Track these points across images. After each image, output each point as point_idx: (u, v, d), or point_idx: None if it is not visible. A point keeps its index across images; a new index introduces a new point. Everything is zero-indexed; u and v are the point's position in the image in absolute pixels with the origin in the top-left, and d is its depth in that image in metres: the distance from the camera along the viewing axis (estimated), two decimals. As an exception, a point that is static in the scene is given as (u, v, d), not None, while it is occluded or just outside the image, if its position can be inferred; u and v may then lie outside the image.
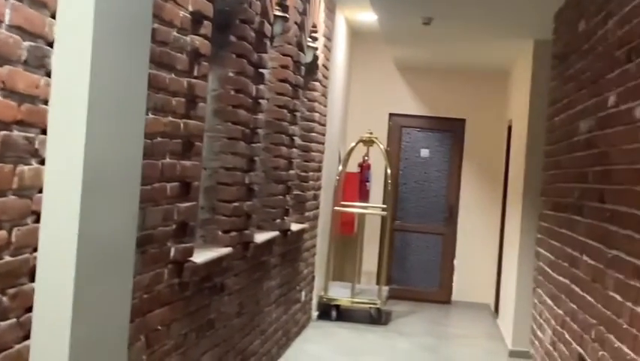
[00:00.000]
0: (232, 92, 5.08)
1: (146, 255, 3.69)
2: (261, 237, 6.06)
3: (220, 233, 5.09)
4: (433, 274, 11.30)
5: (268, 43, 5.73)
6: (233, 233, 5.20)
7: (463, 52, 9.53)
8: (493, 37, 8.36)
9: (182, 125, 4.03)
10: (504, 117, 10.68)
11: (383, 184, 10.79)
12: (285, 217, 6.97)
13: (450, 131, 11.33)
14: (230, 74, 5.07)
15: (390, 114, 11.34)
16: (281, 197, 6.70)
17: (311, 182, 8.25)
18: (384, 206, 10.11)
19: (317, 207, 8.86)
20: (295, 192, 7.87)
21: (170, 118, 3.87)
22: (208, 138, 5.05)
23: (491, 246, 10.85)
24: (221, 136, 5.07)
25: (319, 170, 8.75)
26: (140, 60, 3.26)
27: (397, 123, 11.40)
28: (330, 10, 8.72)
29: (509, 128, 9.94)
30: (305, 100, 8.00)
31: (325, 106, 8.81)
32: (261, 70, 5.60)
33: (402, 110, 11.31)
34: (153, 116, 3.66)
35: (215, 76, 5.07)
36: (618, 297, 3.94)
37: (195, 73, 4.15)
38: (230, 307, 5.26)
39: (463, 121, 11.22)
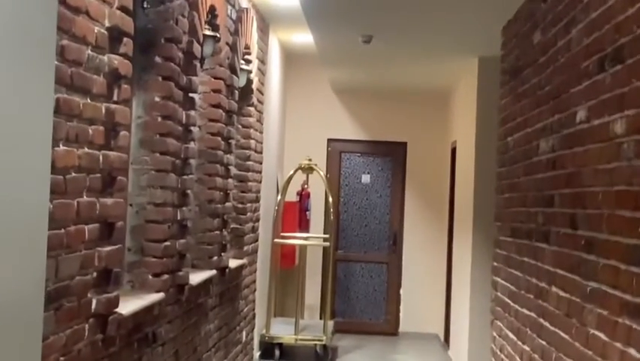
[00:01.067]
0: (159, 119, 4.56)
1: (60, 311, 3.13)
2: (196, 277, 5.52)
3: (150, 277, 4.54)
4: (378, 305, 10.83)
5: (198, 65, 5.22)
6: (165, 276, 4.65)
7: (403, 72, 9.14)
8: (435, 55, 7.97)
9: (101, 157, 3.49)
10: (447, 139, 10.30)
11: (324, 213, 10.31)
12: (223, 254, 6.44)
13: (391, 155, 10.92)
14: (157, 99, 4.55)
15: (329, 139, 10.90)
16: (217, 232, 6.16)
17: (249, 214, 7.72)
18: (326, 236, 9.63)
19: (256, 240, 8.33)
20: (232, 226, 7.33)
21: (87, 149, 3.34)
22: (134, 170, 4.51)
23: (438, 273, 10.43)
24: (148, 168, 4.53)
25: (257, 200, 8.23)
26: (43, 82, 2.72)
27: (336, 149, 10.96)
28: (263, 32, 8.25)
29: (453, 150, 9.56)
30: (240, 127, 7.48)
31: (261, 132, 8.31)
32: (191, 94, 5.08)
33: (341, 134, 10.88)
34: (65, 147, 3.12)
35: (140, 101, 4.54)
36: (602, 336, 3.50)
37: (115, 97, 3.62)
38: (164, 359, 4.70)
39: (404, 144, 10.82)
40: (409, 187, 10.81)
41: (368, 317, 10.81)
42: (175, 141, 4.73)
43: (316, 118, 10.77)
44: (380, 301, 10.83)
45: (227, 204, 6.56)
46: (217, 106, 6.03)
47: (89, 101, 3.36)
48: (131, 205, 4.51)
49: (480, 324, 7.49)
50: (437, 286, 10.41)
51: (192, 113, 5.13)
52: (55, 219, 3.03)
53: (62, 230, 3.13)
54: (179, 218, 4.94)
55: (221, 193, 6.29)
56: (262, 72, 8.23)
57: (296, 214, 10.01)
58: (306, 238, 9.68)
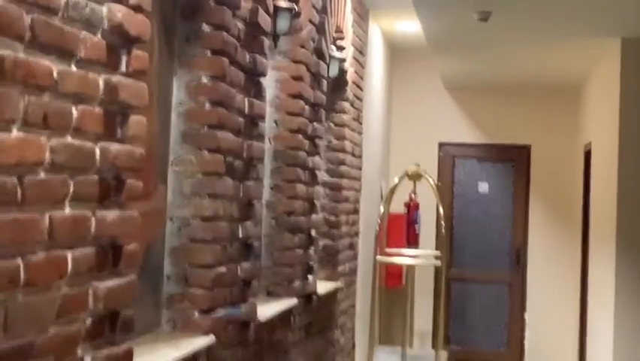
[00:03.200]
0: (207, 106, 3.45)
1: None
2: (269, 309, 4.40)
3: (197, 314, 3.43)
4: (499, 332, 9.47)
5: (266, 41, 4.09)
6: (220, 312, 3.54)
7: (525, 59, 7.81)
8: (566, 35, 6.64)
9: (98, 151, 2.41)
10: (579, 140, 8.90)
11: (435, 226, 9.05)
12: (309, 276, 5.30)
13: (512, 160, 9.57)
14: (204, 80, 3.45)
15: (441, 143, 9.64)
16: (299, 251, 5.03)
17: (344, 228, 6.57)
18: (438, 253, 8.36)
19: (354, 258, 7.17)
20: (323, 243, 6.20)
21: (70, 139, 2.26)
22: (174, 174, 3.42)
23: (570, 297, 9.00)
24: (193, 171, 3.43)
25: (355, 212, 7.07)
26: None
27: (449, 153, 9.69)
28: (362, 18, 7.10)
29: (587, 154, 8.16)
30: (332, 125, 6.35)
31: (360, 133, 7.16)
32: (256, 77, 3.97)
33: (454, 137, 9.60)
34: (22, 134, 2.04)
35: (182, 83, 3.44)
36: None
37: (123, 68, 2.53)
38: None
39: (527, 148, 9.46)
40: (533, 197, 9.44)
41: (487, 346, 9.47)
42: (232, 136, 3.62)
43: (426, 119, 9.53)
44: (501, 327, 9.47)
45: (314, 216, 5.43)
46: (297, 96, 4.90)
47: (72, 68, 2.27)
48: (171, 220, 3.42)
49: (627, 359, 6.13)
50: (569, 311, 8.99)
51: (259, 101, 4.01)
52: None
53: (16, 260, 2.05)
54: (240, 235, 3.83)
55: (305, 203, 5.15)
56: (360, 64, 7.08)
57: (403, 228, 8.77)
58: (414, 255, 8.44)
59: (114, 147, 2.48)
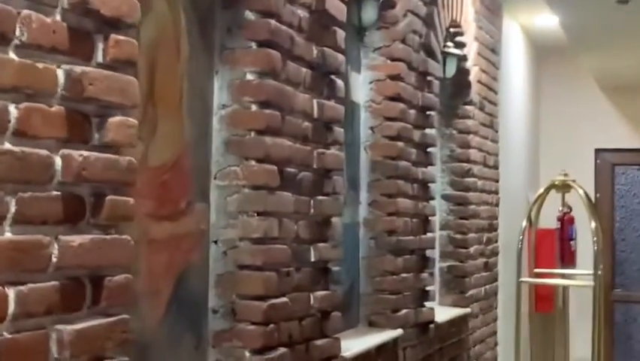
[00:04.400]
0: (254, 108, 2.92)
1: None
2: (363, 342, 3.81)
3: (248, 355, 2.89)
4: (672, 361, 8.44)
5: (341, 33, 3.52)
6: (280, 350, 2.99)
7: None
8: None
9: (58, 162, 1.93)
10: None
11: (592, 242, 8.13)
12: (425, 303, 4.67)
13: (680, 166, 8.54)
14: (250, 77, 2.92)
15: (597, 150, 8.71)
16: (406, 275, 4.40)
17: (475, 247, 5.88)
18: (594, 272, 7.46)
19: (493, 281, 6.44)
20: (447, 264, 5.55)
21: (9, 146, 1.79)
22: (217, 189, 2.91)
23: None
24: (239, 185, 2.90)
25: (492, 229, 6.35)
26: None
27: (607, 161, 8.75)
28: (493, 12, 6.40)
29: None
30: (453, 132, 5.69)
31: (495, 141, 6.44)
32: (328, 74, 3.41)
33: (613, 143, 8.65)
34: None
35: (224, 82, 2.93)
36: None
37: (100, 58, 2.05)
38: None
39: (699, 151, 8.41)
40: None
41: (658, 376, 8.45)
42: (289, 142, 3.07)
43: (580, 123, 8.64)
44: (675, 354, 8.44)
45: (429, 235, 4.79)
46: (396, 98, 4.29)
47: (7, 55, 1.81)
48: (215, 243, 2.90)
49: None
50: None
51: (332, 103, 3.45)
52: None
53: None
54: (313, 259, 3.27)
55: (414, 221, 4.53)
56: (492, 63, 6.38)
57: (555, 245, 7.93)
58: (569, 275, 7.58)
59: (84, 155, 1.98)
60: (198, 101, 2.83)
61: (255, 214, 2.89)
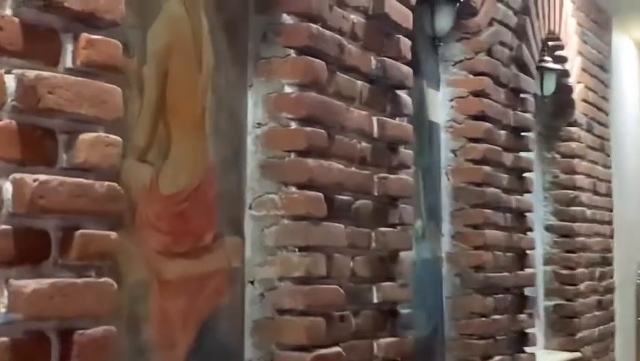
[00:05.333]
0: (293, 125, 2.51)
1: None
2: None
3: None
4: None
5: (404, 41, 3.09)
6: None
7: None
8: None
9: (8, 189, 1.58)
10: None
11: None
12: (524, 348, 4.14)
13: None
14: (288, 90, 2.51)
15: None
16: (499, 316, 3.89)
17: (586, 283, 5.28)
18: None
19: (608, 320, 5.80)
20: (552, 303, 4.99)
21: None
22: (253, 220, 2.50)
23: None
24: (278, 215, 2.49)
25: (605, 263, 5.73)
26: None
27: None
28: (600, 26, 5.84)
29: None
30: (556, 156, 5.14)
31: (607, 167, 5.84)
32: (389, 89, 2.99)
33: None
34: None
35: (258, 98, 2.54)
36: None
37: (69, 62, 1.69)
38: None
39: None
40: None
41: None
42: (340, 165, 2.65)
43: None
44: None
45: (527, 271, 4.26)
46: (479, 117, 3.81)
47: None
48: (251, 283, 2.49)
49: None
50: None
51: (396, 121, 3.01)
52: None
53: None
54: (375, 301, 2.83)
55: (507, 255, 4.02)
56: (602, 82, 5.82)
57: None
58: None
59: (41, 179, 1.61)
60: (227, 119, 2.45)
61: (296, 249, 2.47)
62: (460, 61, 3.83)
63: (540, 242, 5.06)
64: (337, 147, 2.67)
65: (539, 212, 5.04)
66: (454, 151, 3.81)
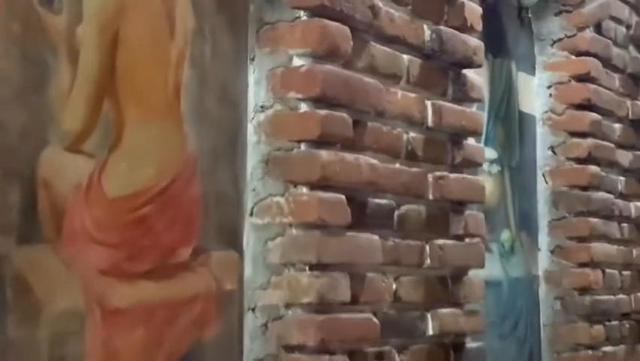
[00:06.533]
0: (303, 107, 1.95)
1: None
2: None
3: None
4: None
5: (472, 7, 2.48)
6: None
7: None
8: None
9: None
10: None
11: None
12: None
13: None
14: (298, 62, 1.96)
15: None
16: (611, 349, 3.19)
17: None
18: None
19: None
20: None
21: None
22: (253, 228, 1.95)
23: None
24: (285, 222, 1.93)
25: None
26: None
27: None
28: None
29: None
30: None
31: None
32: (455, 65, 2.39)
33: None
34: None
35: (261, 74, 1.99)
36: None
37: None
38: None
39: None
40: None
41: None
42: (373, 159, 2.07)
43: None
44: None
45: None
46: (585, 107, 3.15)
47: None
48: (251, 311, 1.94)
49: None
50: None
51: (459, 107, 2.41)
52: None
53: None
54: (431, 331, 2.24)
55: (623, 274, 3.32)
56: None
57: None
58: None
59: None
60: (218, 99, 1.91)
61: (306, 267, 1.91)
62: (560, 39, 3.17)
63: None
64: (371, 137, 2.09)
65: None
66: (552, 148, 3.15)
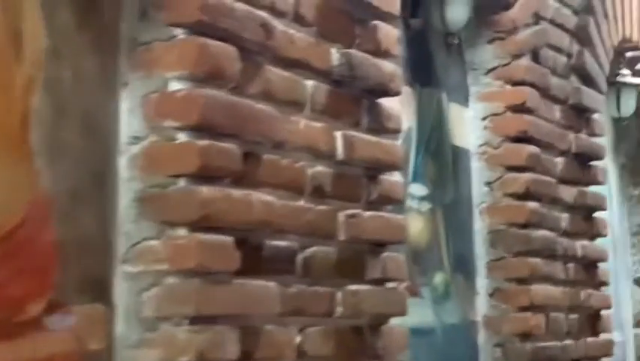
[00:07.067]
0: (181, 137, 1.71)
1: None
2: None
3: None
4: None
5: (384, 28, 2.26)
6: None
7: None
8: None
9: None
10: None
11: None
12: None
13: None
14: (176, 86, 1.72)
15: None
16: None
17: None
18: None
19: None
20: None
21: None
22: (125, 278, 1.70)
23: None
24: (162, 270, 1.68)
25: None
26: None
27: None
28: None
29: None
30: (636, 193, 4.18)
31: None
32: (369, 93, 2.17)
33: None
34: None
35: (135, 99, 1.74)
36: None
37: None
38: None
39: None
40: None
41: None
42: (282, 199, 1.83)
43: None
44: None
45: (603, 337, 3.31)
46: (522, 139, 2.93)
47: None
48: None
49: None
50: None
51: (374, 138, 2.18)
52: None
53: None
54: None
55: (570, 317, 3.09)
56: None
57: None
58: None
59: None
60: (81, 130, 1.66)
61: (185, 322, 1.65)
62: (494, 68, 2.98)
63: (630, 299, 4.11)
64: (267, 172, 1.85)
65: (626, 262, 4.10)
66: (489, 183, 2.94)
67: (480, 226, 2.92)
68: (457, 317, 2.80)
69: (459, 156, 2.89)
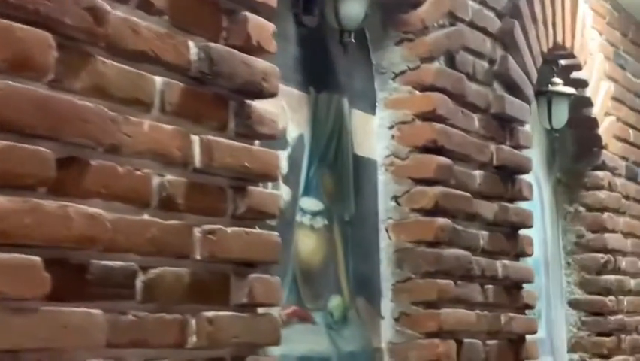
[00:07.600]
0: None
1: None
2: None
3: None
4: None
5: (259, 22, 2.01)
6: None
7: None
8: None
9: None
10: None
11: None
12: None
13: None
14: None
15: None
16: None
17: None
18: None
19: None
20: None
21: None
22: None
23: None
24: None
25: None
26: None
27: None
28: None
29: None
30: (581, 209, 3.95)
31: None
32: (236, 92, 1.91)
33: None
34: None
35: None
36: None
37: None
38: None
39: None
40: None
41: None
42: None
43: None
44: None
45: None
46: (431, 149, 2.69)
47: None
48: None
49: None
50: None
51: (240, 144, 1.92)
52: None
53: None
54: None
55: (487, 344, 2.85)
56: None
57: None
58: None
59: None
60: None
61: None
62: (402, 72, 2.73)
63: (564, 322, 3.88)
64: (97, 180, 1.58)
65: (560, 283, 3.88)
66: (396, 198, 2.69)
67: (386, 244, 2.67)
68: (357, 344, 2.55)
69: (362, 167, 2.65)
